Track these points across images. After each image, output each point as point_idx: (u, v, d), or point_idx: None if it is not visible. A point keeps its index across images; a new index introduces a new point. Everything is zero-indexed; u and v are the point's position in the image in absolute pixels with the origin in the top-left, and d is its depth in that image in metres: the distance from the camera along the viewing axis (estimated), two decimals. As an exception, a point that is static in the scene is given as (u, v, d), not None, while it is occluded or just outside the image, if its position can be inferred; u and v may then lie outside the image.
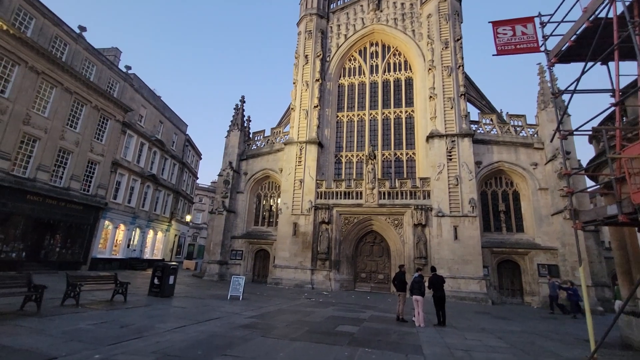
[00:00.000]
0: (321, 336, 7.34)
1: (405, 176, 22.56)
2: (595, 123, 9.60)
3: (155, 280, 12.19)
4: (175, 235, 34.73)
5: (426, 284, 10.12)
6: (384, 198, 21.10)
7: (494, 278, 19.42)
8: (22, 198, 16.76)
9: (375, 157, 22.26)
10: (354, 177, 23.35)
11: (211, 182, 62.85)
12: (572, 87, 7.53)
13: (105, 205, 22.30)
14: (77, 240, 20.58)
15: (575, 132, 7.59)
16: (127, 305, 9.60)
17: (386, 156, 24.03)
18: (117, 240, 24.58)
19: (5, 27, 15.56)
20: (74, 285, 8.81)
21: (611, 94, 6.98)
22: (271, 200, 25.82)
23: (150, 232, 29.12)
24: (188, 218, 37.74)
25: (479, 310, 14.64)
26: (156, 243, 30.44)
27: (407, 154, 23.67)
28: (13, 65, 16.50)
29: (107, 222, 23.05)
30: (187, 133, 35.72)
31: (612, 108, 6.85)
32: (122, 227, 24.93)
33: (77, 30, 20.83)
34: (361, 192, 21.61)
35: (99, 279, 10.27)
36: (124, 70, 25.07)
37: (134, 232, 26.39)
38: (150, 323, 7.56)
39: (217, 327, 7.59)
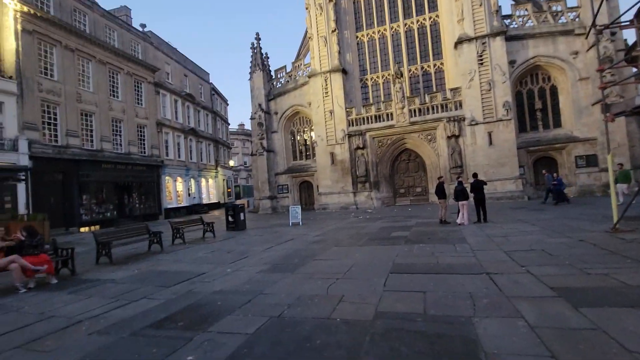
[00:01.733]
0: (381, 241, 9.14)
1: (434, 90, 22.34)
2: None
3: (230, 218, 14.57)
4: (223, 179, 37.98)
5: (468, 189, 11.47)
6: (415, 115, 21.44)
7: (529, 176, 20.24)
8: (98, 167, 19.42)
9: (402, 75, 21.98)
10: (383, 99, 23.47)
11: (238, 126, 64.51)
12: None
13: (161, 163, 24.91)
14: (149, 196, 23.83)
15: (615, 26, 7.61)
16: (219, 239, 11.99)
17: (413, 71, 23.51)
18: (178, 191, 27.83)
19: (32, 11, 16.20)
20: (178, 229, 11.15)
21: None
22: (305, 135, 27.02)
23: (203, 181, 32.26)
24: (231, 163, 40.54)
25: (516, 206, 15.94)
26: (209, 189, 33.84)
27: (434, 65, 22.97)
28: (51, 48, 17.55)
29: (167, 177, 25.96)
30: (210, 82, 36.19)
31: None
32: (179, 179, 27.93)
33: (87, -3, 20.84)
34: (391, 114, 22.01)
35: (190, 223, 12.64)
36: (141, 29, 25.16)
37: (189, 183, 29.50)
38: (245, 248, 9.73)
39: (296, 245, 9.62)
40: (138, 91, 23.67)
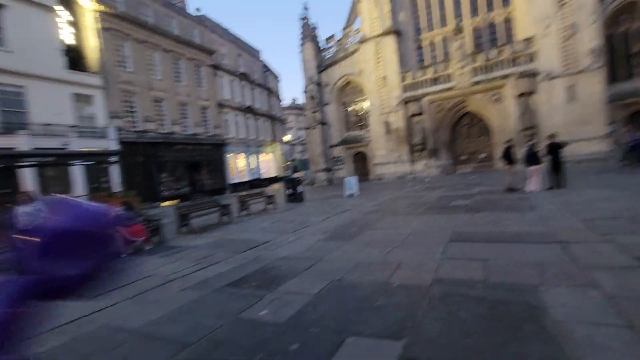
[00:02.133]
0: (440, 210, 8.91)
1: (502, 42, 19.96)
2: None
3: (289, 191, 15.32)
4: (281, 154, 39.47)
5: (541, 153, 10.39)
6: (478, 74, 19.57)
7: (621, 134, 17.46)
8: (171, 149, 21.62)
9: (462, 31, 20.00)
10: (441, 59, 21.73)
11: (292, 100, 65.37)
12: None
13: (224, 141, 26.73)
14: (216, 173, 26.01)
15: None
16: (279, 211, 12.77)
17: (476, 25, 21.19)
18: (240, 167, 29.79)
19: (107, 9, 17.95)
20: (243, 202, 12.13)
21: None
22: (358, 105, 26.49)
23: (262, 156, 33.96)
24: (286, 138, 41.78)
25: (602, 170, 14.07)
26: (269, 163, 35.57)
27: (502, 15, 20.36)
28: (124, 41, 19.44)
29: (230, 155, 27.87)
30: (262, 59, 36.87)
31: None
32: (240, 156, 29.80)
33: (148, -12, 22.27)
34: (451, 75, 20.37)
35: (253, 196, 13.59)
36: (196, 14, 26.35)
37: (250, 158, 31.31)
38: (305, 218, 10.25)
39: (353, 215, 9.84)
40: (198, 75, 25.23)
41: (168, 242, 8.47)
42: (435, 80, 21.00)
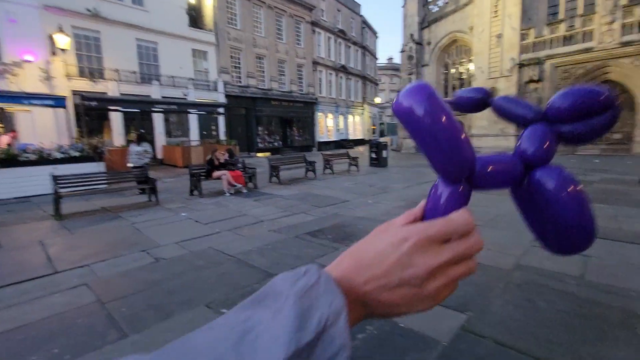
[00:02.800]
0: (541, 194, 7.87)
1: (680, -13, 15.01)
2: None
3: (373, 155, 15.27)
4: (369, 116, 38.77)
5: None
6: (631, 33, 15.33)
7: None
8: (268, 104, 23.25)
9: (621, -28, 15.54)
10: (581, 12, 17.55)
11: (387, 60, 61.94)
12: None
13: (316, 100, 27.43)
14: (305, 130, 27.23)
15: None
16: (361, 173, 12.94)
17: (644, -37, 16.18)
18: (328, 126, 30.45)
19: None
20: (328, 161, 12.65)
21: None
22: (461, 68, 23.77)
23: (350, 117, 33.93)
24: (377, 100, 40.54)
25: None
26: (356, 125, 35.45)
27: (690, -54, 15.05)
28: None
29: (319, 114, 28.61)
30: (361, 14, 35.27)
31: None
32: (330, 115, 30.31)
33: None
34: (592, 32, 16.43)
35: (338, 156, 14.00)
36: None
37: (338, 119, 31.64)
38: (386, 184, 10.24)
39: (437, 187, 9.42)
40: (297, 32, 25.69)
41: (260, 188, 9.54)
42: (568, 39, 17.24)
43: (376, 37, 41.79)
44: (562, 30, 17.37)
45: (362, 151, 24.89)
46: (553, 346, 2.24)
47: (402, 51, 25.75)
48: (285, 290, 0.26)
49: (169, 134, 18.71)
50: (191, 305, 2.95)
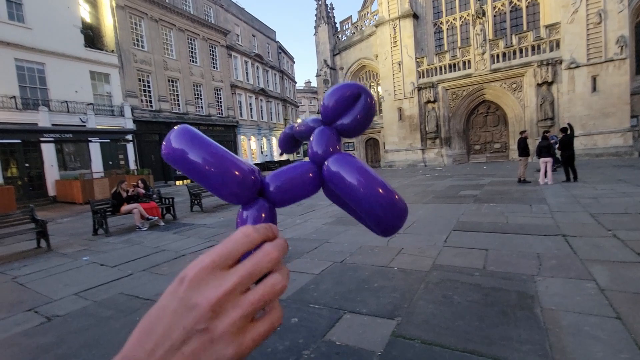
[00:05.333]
0: (447, 199, 8.93)
1: (525, 28, 19.19)
2: None
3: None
4: (292, 138, 39.49)
5: (556, 145, 10.22)
6: (498, 61, 18.95)
7: (644, 128, 16.82)
8: (185, 129, 21.90)
9: (484, 14, 19.21)
10: (459, 45, 21.07)
11: (305, 83, 64.74)
12: None
13: (237, 123, 26.91)
14: (227, 154, 26.31)
15: None
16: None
17: (498, 8, 20.37)
18: (252, 149, 30.04)
19: (122, -13, 17.94)
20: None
21: None
22: (372, 90, 26.11)
23: (273, 139, 34.07)
24: (298, 121, 41.59)
25: (620, 164, 13.69)
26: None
27: (527, -2, 19.47)
28: (140, 20, 19.51)
29: (242, 137, 28.09)
30: (277, 40, 36.42)
31: None
32: (252, 138, 29.98)
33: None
34: (469, 61, 19.79)
35: (263, 178, 13.82)
36: (211, -8, 26.05)
37: (262, 141, 31.48)
38: (312, 202, 10.33)
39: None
40: (213, 55, 25.19)
41: (181, 219, 8.79)
42: (452, 67, 20.44)
43: (293, 62, 43.44)
44: (447, 59, 20.53)
45: (287, 172, 25.01)
46: (469, 336, 2.47)
47: (318, 75, 27.23)
48: None
49: (64, 166, 16.16)
50: (96, 367, 2.48)
